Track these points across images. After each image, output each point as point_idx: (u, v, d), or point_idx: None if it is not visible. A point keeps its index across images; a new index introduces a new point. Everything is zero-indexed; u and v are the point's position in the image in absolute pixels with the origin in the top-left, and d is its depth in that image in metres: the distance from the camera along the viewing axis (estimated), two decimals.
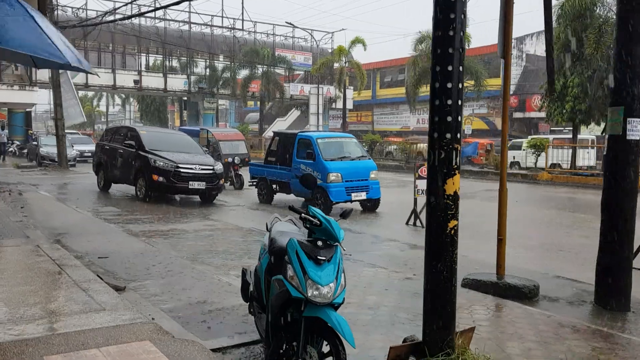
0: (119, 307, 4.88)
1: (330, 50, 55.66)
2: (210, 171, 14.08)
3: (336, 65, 43.42)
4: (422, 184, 11.38)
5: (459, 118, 3.89)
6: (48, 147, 27.20)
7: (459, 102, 3.90)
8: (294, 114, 60.22)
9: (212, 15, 48.46)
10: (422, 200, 11.21)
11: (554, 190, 19.73)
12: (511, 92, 46.87)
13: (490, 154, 29.50)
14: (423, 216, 11.34)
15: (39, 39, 5.30)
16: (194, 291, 5.87)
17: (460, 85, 3.89)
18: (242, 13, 49.21)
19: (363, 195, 13.30)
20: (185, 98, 51.47)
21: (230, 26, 50.08)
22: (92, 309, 4.75)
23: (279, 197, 14.94)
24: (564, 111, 21.12)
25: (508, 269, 6.45)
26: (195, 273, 6.65)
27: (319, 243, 3.63)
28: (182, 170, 13.65)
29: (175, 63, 52.64)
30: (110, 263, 7.13)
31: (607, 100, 20.01)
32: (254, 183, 15.49)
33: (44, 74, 36.38)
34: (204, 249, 8.33)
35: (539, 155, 23.98)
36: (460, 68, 3.87)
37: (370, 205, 13.71)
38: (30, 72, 37.39)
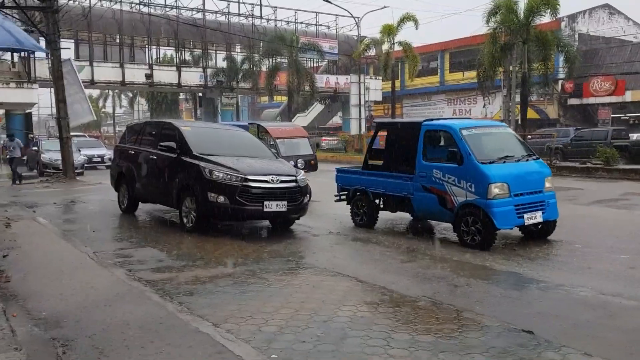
0: None
1: (355, 38, 50.81)
2: (293, 184, 9.29)
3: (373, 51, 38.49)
4: None
5: None
6: (51, 152, 22.54)
7: None
8: (317, 108, 55.58)
9: (228, 1, 43.47)
10: None
11: None
12: (563, 76, 41.95)
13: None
14: None
15: None
16: None
17: None
18: None
19: (539, 217, 8.48)
20: (201, 94, 46.68)
21: (247, 13, 45.25)
22: None
23: (382, 215, 10.22)
24: None
25: None
26: None
27: None
28: (252, 184, 8.86)
29: (188, 56, 47.86)
30: None
31: None
32: (344, 197, 10.74)
33: (45, 71, 31.64)
34: None
35: None
36: None
37: (541, 230, 8.91)
38: (28, 68, 32.63)
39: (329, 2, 32.55)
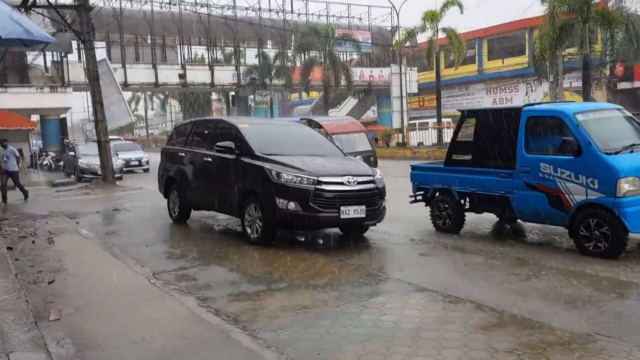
0: None
1: (389, 28, 49.22)
2: (371, 185, 8.01)
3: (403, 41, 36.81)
4: None
5: None
6: (88, 157, 21.73)
7: None
8: (350, 102, 54.28)
9: None
10: None
11: None
12: (613, 59, 39.56)
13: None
14: None
15: None
16: None
17: None
18: None
19: None
20: (233, 93, 45.72)
21: (278, 8, 44.04)
22: None
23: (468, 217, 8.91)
24: None
25: None
26: None
27: None
28: (327, 187, 7.61)
29: (219, 55, 46.94)
30: None
31: None
32: (420, 198, 9.45)
33: (78, 74, 31.02)
34: None
35: None
36: None
37: None
38: (62, 73, 32.09)
39: None
